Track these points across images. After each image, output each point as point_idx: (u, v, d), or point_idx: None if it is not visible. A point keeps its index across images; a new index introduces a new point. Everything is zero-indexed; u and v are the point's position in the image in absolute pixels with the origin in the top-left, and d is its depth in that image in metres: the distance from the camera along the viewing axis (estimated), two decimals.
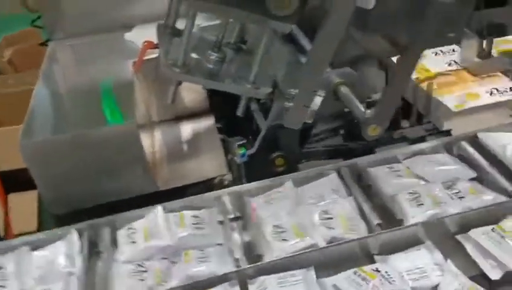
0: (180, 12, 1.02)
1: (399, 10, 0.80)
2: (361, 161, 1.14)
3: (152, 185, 1.16)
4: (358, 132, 1.00)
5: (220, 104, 1.34)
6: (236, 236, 0.99)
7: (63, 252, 0.98)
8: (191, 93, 1.32)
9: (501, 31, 1.51)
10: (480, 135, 1.17)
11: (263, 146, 1.18)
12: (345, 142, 1.33)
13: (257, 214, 1.02)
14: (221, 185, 1.25)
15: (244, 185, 1.11)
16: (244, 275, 0.89)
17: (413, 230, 0.95)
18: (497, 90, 1.32)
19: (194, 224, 1.00)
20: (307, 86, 0.88)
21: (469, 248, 0.93)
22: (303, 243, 0.94)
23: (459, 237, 0.95)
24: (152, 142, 1.27)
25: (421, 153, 1.16)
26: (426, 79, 1.37)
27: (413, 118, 1.33)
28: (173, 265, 0.95)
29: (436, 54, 1.49)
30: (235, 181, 1.24)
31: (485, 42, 1.38)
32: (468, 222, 0.96)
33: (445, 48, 1.49)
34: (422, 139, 1.28)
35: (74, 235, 1.00)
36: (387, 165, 1.13)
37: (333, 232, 0.97)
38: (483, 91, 1.33)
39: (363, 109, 1.00)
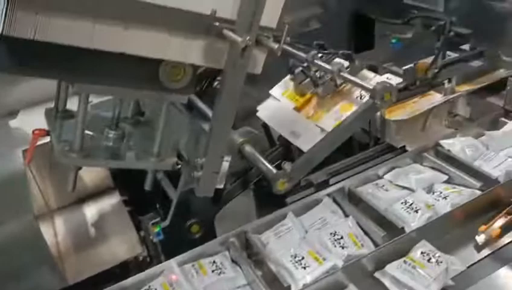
0: (69, 93, 0.98)
1: None
2: (347, 183, 1.19)
3: (60, 280, 1.06)
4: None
5: (124, 177, 1.29)
6: (257, 274, 0.98)
7: None
8: (91, 172, 1.25)
9: (374, 70, 1.67)
10: (442, 143, 1.29)
11: (177, 215, 1.15)
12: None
13: (271, 248, 1.02)
14: (137, 263, 1.18)
15: (247, 224, 1.08)
16: None
17: (335, 276, 0.97)
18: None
19: (214, 271, 0.98)
20: (214, 153, 0.88)
21: (387, 283, 0.97)
22: (323, 267, 0.96)
23: (377, 274, 0.99)
24: (54, 232, 1.17)
25: (396, 167, 1.25)
26: None
27: (371, 142, 1.44)
28: None
29: None
30: (152, 258, 1.18)
31: None
32: (383, 258, 1.01)
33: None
34: (326, 182, 1.33)
35: None
36: (372, 183, 1.20)
37: (348, 251, 1.00)
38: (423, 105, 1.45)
39: (269, 166, 1.02)
